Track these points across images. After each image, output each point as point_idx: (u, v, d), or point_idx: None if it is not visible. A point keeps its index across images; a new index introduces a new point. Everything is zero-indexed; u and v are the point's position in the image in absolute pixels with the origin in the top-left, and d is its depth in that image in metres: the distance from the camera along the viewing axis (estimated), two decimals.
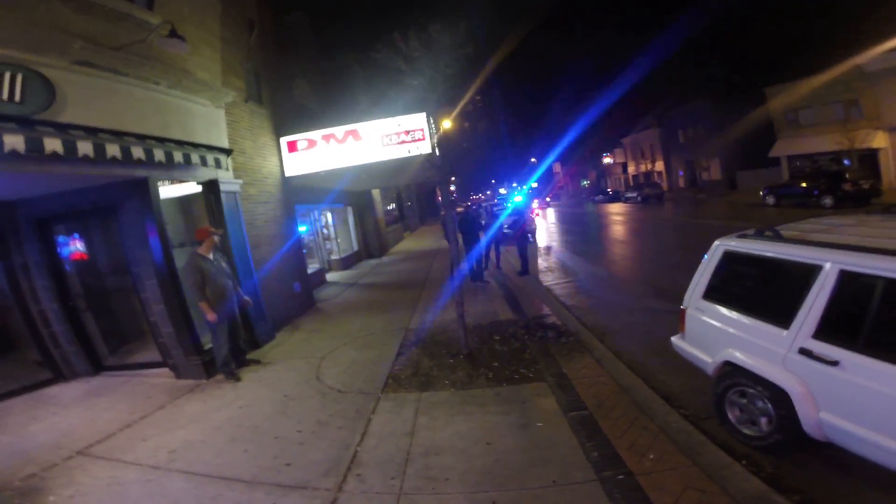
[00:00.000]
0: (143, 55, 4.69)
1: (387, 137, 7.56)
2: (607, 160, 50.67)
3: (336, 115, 8.95)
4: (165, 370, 5.49)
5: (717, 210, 19.60)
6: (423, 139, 7.43)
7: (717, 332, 3.28)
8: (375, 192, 17.66)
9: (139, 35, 4.56)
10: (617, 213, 25.56)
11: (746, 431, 3.04)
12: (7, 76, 3.57)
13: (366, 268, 14.06)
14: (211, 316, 4.91)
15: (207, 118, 5.87)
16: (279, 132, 8.05)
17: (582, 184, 55.65)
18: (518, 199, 18.19)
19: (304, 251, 10.26)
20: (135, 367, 5.82)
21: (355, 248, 15.38)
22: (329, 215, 14.06)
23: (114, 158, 4.30)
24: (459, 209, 11.34)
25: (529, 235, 10.41)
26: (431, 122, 7.28)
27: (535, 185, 49.10)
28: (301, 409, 4.19)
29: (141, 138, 4.66)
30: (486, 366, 4.70)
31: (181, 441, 3.77)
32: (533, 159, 50.50)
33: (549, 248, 14.35)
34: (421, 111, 7.53)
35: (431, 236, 21.77)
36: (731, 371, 3.13)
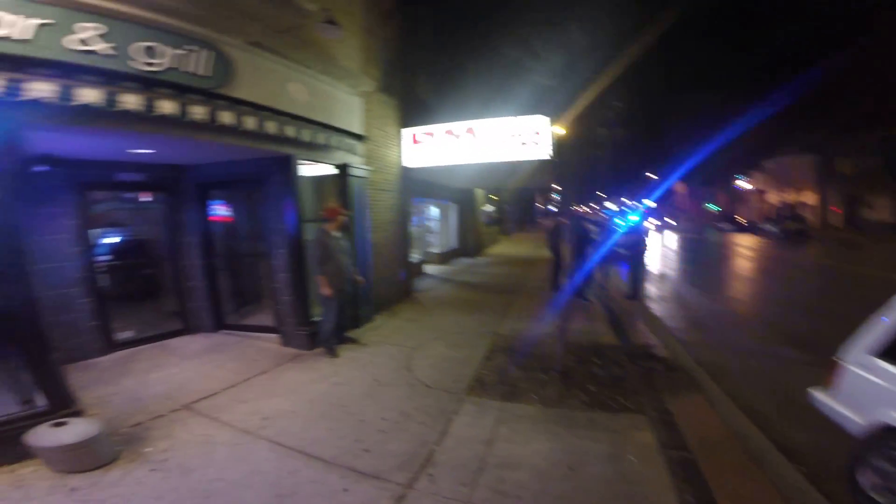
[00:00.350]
0: (301, 39, 5.12)
1: (504, 137, 7.48)
2: (742, 184, 44.97)
3: (452, 111, 9.12)
4: (274, 336, 5.91)
5: (880, 257, 16.24)
6: (542, 143, 7.20)
7: (882, 393, 2.87)
8: (479, 192, 17.75)
9: (299, 20, 4.94)
10: (746, 247, 22.52)
11: (880, 499, 2.71)
12: (199, 53, 4.05)
13: (461, 266, 14.22)
14: (327, 291, 5.26)
15: (346, 104, 6.29)
16: (402, 123, 8.43)
17: (706, 208, 50.06)
18: (633, 217, 16.98)
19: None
20: (249, 329, 6.31)
21: (454, 244, 15.63)
22: (434, 209, 14.47)
23: (270, 135, 4.78)
24: (562, 220, 10.88)
25: (643, 258, 9.61)
26: (551, 126, 7.06)
27: (650, 202, 45.38)
28: (388, 397, 4.29)
29: (292, 118, 5.11)
30: (580, 387, 4.42)
31: (275, 409, 4.02)
32: (651, 174, 46.37)
33: (662, 275, 13.15)
34: (540, 113, 7.36)
35: (528, 243, 21.31)
36: (887, 435, 2.75)
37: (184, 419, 3.85)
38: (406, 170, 8.49)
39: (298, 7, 4.82)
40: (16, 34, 3.02)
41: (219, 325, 6.40)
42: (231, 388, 4.49)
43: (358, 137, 6.55)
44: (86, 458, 3.11)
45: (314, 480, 2.98)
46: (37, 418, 3.24)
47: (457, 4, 9.90)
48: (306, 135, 5.32)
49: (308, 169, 6.02)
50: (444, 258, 14.34)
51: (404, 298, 8.54)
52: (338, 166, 6.30)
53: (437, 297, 9.16)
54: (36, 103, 3.14)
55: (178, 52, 3.90)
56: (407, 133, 8.35)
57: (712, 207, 48.76)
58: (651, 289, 10.35)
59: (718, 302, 9.39)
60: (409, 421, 3.79)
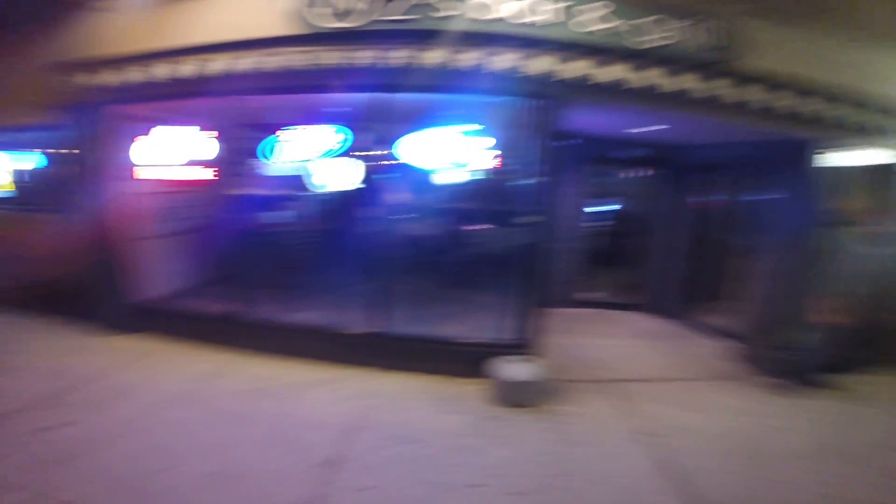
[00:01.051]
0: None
1: None
2: None
3: None
4: (732, 345, 5.07)
5: None
6: None
7: None
8: None
9: None
10: None
11: None
12: (704, 23, 3.76)
13: None
14: (828, 316, 4.04)
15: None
16: None
17: None
18: None
19: None
20: (704, 329, 5.65)
21: None
22: None
23: (782, 114, 4.02)
24: None
25: None
26: None
27: None
28: (832, 473, 3.01)
29: (813, 94, 4.08)
30: None
31: (685, 423, 3.55)
32: None
33: None
34: None
35: None
36: None
37: (607, 392, 4.00)
38: None
39: None
40: (541, 19, 3.54)
41: (673, 312, 6.07)
42: (661, 382, 4.32)
43: None
44: (515, 396, 3.47)
45: None
46: (501, 349, 3.82)
47: None
48: (834, 113, 4.13)
49: (829, 157, 4.60)
50: None
51: None
52: (879, 156, 4.52)
53: None
54: (568, 82, 3.67)
55: (683, 24, 3.72)
56: None
57: None
58: None
59: None
60: None
